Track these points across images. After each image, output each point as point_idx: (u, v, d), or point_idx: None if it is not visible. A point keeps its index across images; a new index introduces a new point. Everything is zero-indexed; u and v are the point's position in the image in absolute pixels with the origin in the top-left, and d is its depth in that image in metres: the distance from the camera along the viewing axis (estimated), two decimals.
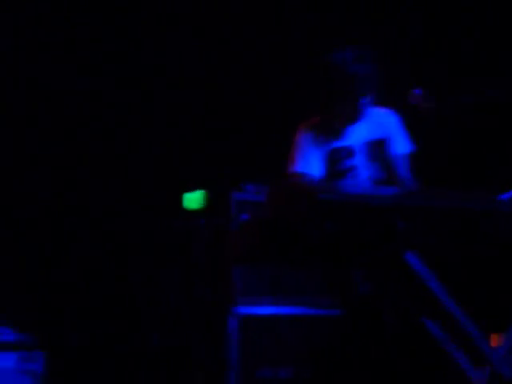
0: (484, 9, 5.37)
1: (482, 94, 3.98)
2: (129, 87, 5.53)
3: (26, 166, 5.42)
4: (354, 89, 4.20)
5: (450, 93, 4.17)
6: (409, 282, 3.61)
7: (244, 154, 5.40)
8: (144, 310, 5.40)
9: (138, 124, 5.53)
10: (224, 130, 5.48)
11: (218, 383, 4.53)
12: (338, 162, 4.32)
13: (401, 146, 4.38)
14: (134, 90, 5.54)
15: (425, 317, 3.61)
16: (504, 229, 3.53)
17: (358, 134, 4.34)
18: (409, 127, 4.41)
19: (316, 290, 4.32)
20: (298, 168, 4.27)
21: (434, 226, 3.63)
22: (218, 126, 5.49)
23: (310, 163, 4.27)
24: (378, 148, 4.36)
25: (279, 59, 5.48)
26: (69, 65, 5.42)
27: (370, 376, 3.77)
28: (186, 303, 5.15)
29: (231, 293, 4.37)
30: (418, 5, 5.44)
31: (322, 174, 4.28)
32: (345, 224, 3.67)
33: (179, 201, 5.09)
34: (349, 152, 4.32)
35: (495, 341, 3.56)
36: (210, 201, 5.04)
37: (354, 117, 4.29)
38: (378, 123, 4.37)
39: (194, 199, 5.07)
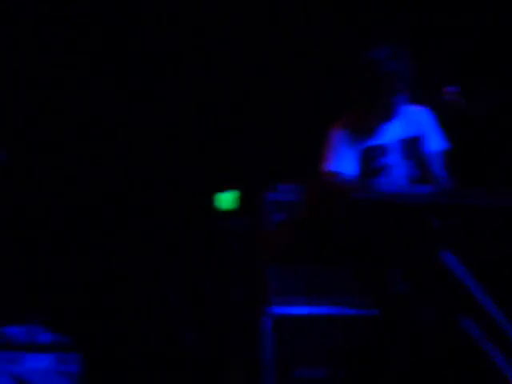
0: None
1: None
2: (161, 86, 5.54)
3: (55, 166, 5.45)
4: (388, 87, 4.19)
5: (482, 91, 4.15)
6: (445, 281, 3.59)
7: (277, 153, 5.39)
8: (179, 310, 5.41)
9: (170, 123, 5.54)
10: (257, 130, 5.48)
11: (253, 383, 4.52)
12: (371, 160, 4.30)
13: (435, 143, 4.35)
14: (167, 87, 5.55)
15: (461, 316, 3.59)
16: None
17: (391, 132, 4.32)
18: (443, 125, 4.39)
19: (350, 289, 4.30)
20: (332, 167, 4.26)
21: (469, 224, 3.61)
22: (251, 126, 5.49)
23: (344, 162, 4.26)
24: (412, 146, 4.34)
25: (312, 57, 5.47)
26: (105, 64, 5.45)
27: (406, 376, 3.75)
28: (220, 303, 5.16)
29: (265, 293, 4.37)
30: (452, 2, 5.40)
31: (356, 172, 4.27)
32: (380, 223, 3.66)
33: (212, 201, 5.10)
34: (383, 150, 4.31)
35: None
36: (243, 201, 5.04)
37: (388, 115, 4.28)
38: (411, 121, 4.35)
39: (227, 200, 5.07)
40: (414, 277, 3.69)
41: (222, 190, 5.12)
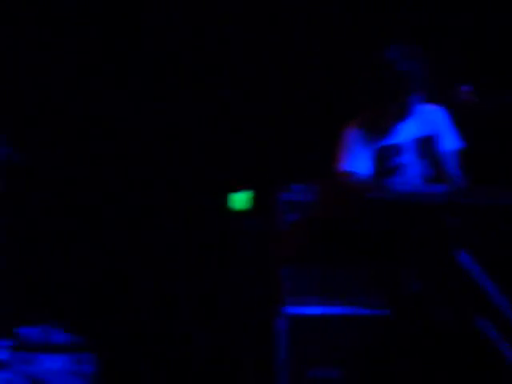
0: None
1: None
2: (175, 84, 5.54)
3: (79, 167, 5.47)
4: (403, 86, 4.18)
5: (496, 90, 4.13)
6: (459, 281, 3.57)
7: (291, 153, 5.38)
8: (193, 310, 5.41)
9: (184, 122, 5.54)
10: (272, 130, 5.47)
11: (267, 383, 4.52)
12: (386, 160, 4.29)
13: (450, 142, 4.34)
14: (181, 86, 5.55)
15: (476, 316, 3.58)
16: None
17: (406, 132, 4.31)
18: (458, 124, 4.37)
19: (365, 289, 4.29)
20: (346, 167, 4.25)
21: (484, 223, 3.60)
22: (265, 126, 5.48)
23: (358, 161, 4.25)
24: (426, 145, 4.32)
25: (326, 57, 5.46)
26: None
27: (421, 376, 3.74)
28: (233, 304, 5.15)
29: (279, 293, 4.36)
30: (467, 1, 5.39)
31: (371, 172, 4.26)
32: (394, 222, 3.65)
33: (226, 201, 5.09)
34: (397, 150, 4.29)
35: None
36: (257, 201, 5.03)
37: (403, 114, 4.27)
38: (426, 120, 4.34)
39: (240, 200, 5.07)
40: (428, 276, 3.68)
41: (236, 190, 5.11)
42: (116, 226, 5.44)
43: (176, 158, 5.51)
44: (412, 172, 4.28)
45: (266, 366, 4.53)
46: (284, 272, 4.34)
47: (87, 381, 4.64)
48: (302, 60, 5.47)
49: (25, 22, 5.43)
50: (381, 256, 3.78)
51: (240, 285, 5.07)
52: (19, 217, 5.32)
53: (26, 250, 5.35)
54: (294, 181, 4.45)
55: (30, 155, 5.19)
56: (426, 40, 4.51)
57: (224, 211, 5.12)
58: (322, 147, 4.53)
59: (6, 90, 5.36)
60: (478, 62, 5.30)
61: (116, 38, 5.50)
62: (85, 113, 5.46)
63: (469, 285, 3.53)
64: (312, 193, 4.21)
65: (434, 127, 4.33)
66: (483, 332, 3.55)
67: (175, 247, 5.46)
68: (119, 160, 5.47)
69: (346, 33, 5.40)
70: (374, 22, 5.36)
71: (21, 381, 4.59)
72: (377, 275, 4.01)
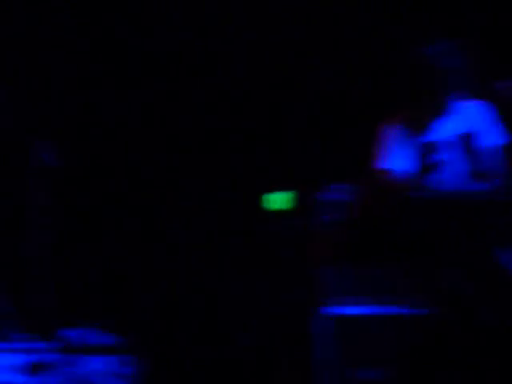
0: None
1: None
2: (214, 83, 5.55)
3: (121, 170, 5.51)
4: (444, 82, 4.13)
5: None
6: (502, 280, 3.52)
7: (329, 152, 5.35)
8: (232, 311, 5.41)
9: (223, 122, 5.54)
10: (309, 129, 5.44)
11: None
12: (426, 157, 4.23)
13: (492, 138, 4.26)
14: (221, 85, 5.56)
15: None
16: None
17: (447, 128, 4.25)
18: (502, 119, 4.29)
19: (406, 289, 4.23)
20: (386, 165, 4.20)
21: None
22: (303, 125, 5.46)
23: (398, 159, 4.20)
24: (468, 141, 4.25)
25: (364, 55, 5.42)
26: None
27: (464, 377, 3.68)
28: (272, 304, 5.14)
29: (318, 293, 4.33)
30: None
31: (411, 170, 4.20)
32: (435, 221, 3.60)
33: (265, 202, 5.08)
34: (438, 147, 4.23)
35: None
36: (296, 201, 5.01)
37: (443, 111, 4.21)
38: (468, 116, 4.27)
39: (279, 200, 5.05)
40: (470, 276, 3.62)
41: (275, 190, 5.10)
42: (155, 227, 5.47)
43: (215, 158, 5.52)
44: (453, 169, 4.22)
45: (304, 367, 4.50)
46: (324, 272, 4.31)
47: (130, 382, 4.66)
48: (339, 58, 5.44)
49: (67, 34, 5.49)
50: (421, 255, 3.74)
51: (279, 285, 5.05)
52: (63, 219, 5.37)
53: (70, 252, 5.40)
54: (332, 180, 4.41)
55: (71, 159, 5.24)
56: (467, 35, 4.44)
57: (263, 212, 5.11)
58: (360, 146, 4.49)
59: (46, 97, 5.42)
60: None
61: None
62: (119, 116, 5.50)
63: (510, 284, 3.47)
64: (351, 192, 4.18)
65: (476, 123, 4.26)
66: None
67: (214, 248, 5.47)
68: (156, 162, 5.50)
69: (386, 30, 5.35)
70: (414, 18, 5.30)
71: (66, 382, 4.63)
72: (418, 275, 3.97)
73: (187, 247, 5.47)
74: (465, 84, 4.17)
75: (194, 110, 5.52)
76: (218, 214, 5.49)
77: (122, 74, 5.54)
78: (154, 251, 5.46)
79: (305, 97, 5.43)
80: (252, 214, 5.32)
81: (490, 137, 4.26)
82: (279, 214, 5.04)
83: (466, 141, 4.25)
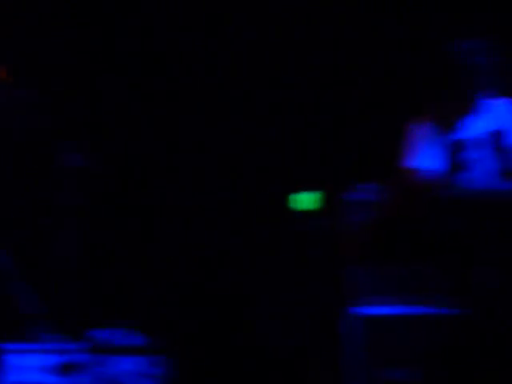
0: None
1: None
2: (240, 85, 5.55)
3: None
4: (475, 80, 4.10)
5: None
6: None
7: (356, 151, 5.33)
8: (262, 311, 5.40)
9: (251, 123, 5.54)
10: (335, 128, 5.42)
11: None
12: (456, 155, 4.20)
13: None
14: (249, 87, 5.56)
15: None
16: None
17: (476, 126, 4.22)
18: None
19: (437, 288, 4.21)
20: (414, 163, 4.18)
21: None
22: (329, 124, 5.44)
23: (427, 158, 4.17)
24: (498, 139, 4.22)
25: (391, 52, 5.39)
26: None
27: (498, 377, 3.65)
28: (302, 305, 5.13)
29: (346, 294, 4.32)
30: None
31: (439, 168, 4.17)
32: (464, 220, 3.58)
33: (290, 202, 5.07)
34: (467, 145, 4.20)
35: None
36: (322, 201, 5.00)
37: (474, 108, 4.18)
38: (498, 114, 4.24)
39: (306, 200, 5.04)
40: (500, 275, 3.59)
41: (302, 190, 5.09)
42: (182, 226, 5.47)
43: (242, 159, 5.51)
44: (483, 167, 4.18)
45: (333, 367, 4.49)
46: (353, 272, 4.29)
47: (158, 382, 4.68)
48: (367, 56, 5.41)
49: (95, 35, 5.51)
50: (453, 254, 3.71)
51: (307, 286, 5.04)
52: (91, 219, 5.39)
53: (99, 253, 5.42)
54: (359, 180, 4.40)
55: (100, 160, 5.26)
56: (497, 33, 4.40)
57: (290, 212, 5.10)
58: (388, 144, 4.47)
59: (72, 98, 5.45)
60: None
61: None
62: (144, 116, 5.51)
63: None
64: (379, 192, 4.16)
65: (506, 121, 4.23)
66: None
67: (242, 249, 5.46)
68: (183, 161, 5.51)
69: (416, 27, 5.32)
70: (445, 16, 5.27)
71: (96, 382, 4.64)
72: (449, 274, 3.94)
73: (215, 248, 5.48)
74: (495, 82, 4.14)
75: (221, 110, 5.52)
76: (245, 214, 5.49)
77: (148, 75, 5.55)
78: (181, 251, 5.47)
79: (332, 96, 5.42)
80: (279, 215, 5.32)
81: None
82: (306, 215, 5.03)
83: (496, 139, 4.22)
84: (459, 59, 4.11)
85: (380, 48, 5.40)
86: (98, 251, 5.42)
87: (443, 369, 4.05)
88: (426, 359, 4.17)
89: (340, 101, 5.42)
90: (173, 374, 4.73)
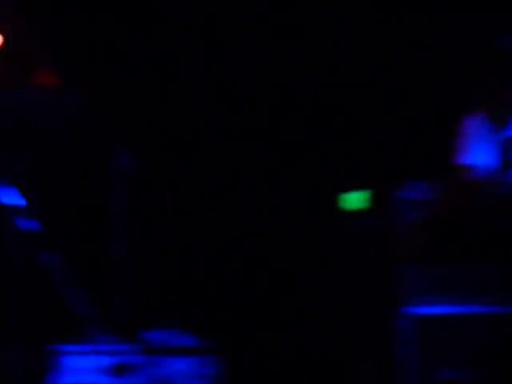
0: None
1: None
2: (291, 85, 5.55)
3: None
4: None
5: None
6: None
7: (407, 149, 5.29)
8: (312, 311, 5.39)
9: (302, 123, 5.53)
10: (384, 126, 5.39)
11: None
12: (509, 152, 4.15)
13: None
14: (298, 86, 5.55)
15: None
16: None
17: None
18: None
19: (489, 287, 4.16)
20: (467, 161, 4.14)
21: None
22: (379, 123, 5.41)
23: (480, 155, 4.13)
24: None
25: (444, 47, 5.35)
26: None
27: None
28: (354, 305, 5.10)
29: (399, 293, 4.28)
30: None
31: (493, 165, 4.13)
32: None
33: (340, 202, 5.05)
34: None
35: None
36: (372, 201, 4.97)
37: None
38: None
39: (356, 199, 5.01)
40: None
41: (352, 189, 5.06)
42: (234, 227, 5.48)
43: (292, 159, 5.51)
44: None
45: (386, 366, 4.46)
46: (405, 271, 4.26)
47: (211, 383, 4.68)
48: (422, 52, 5.37)
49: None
50: (506, 253, 3.67)
51: (359, 286, 5.01)
52: (144, 220, 5.42)
53: (150, 255, 5.45)
54: (411, 178, 4.36)
55: (147, 162, 5.29)
56: None
57: (340, 212, 5.08)
58: (440, 141, 4.43)
59: (125, 101, 5.48)
60: None
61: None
62: (195, 117, 5.53)
63: None
64: (431, 190, 4.12)
65: None
66: None
67: (293, 250, 5.45)
68: (233, 162, 5.51)
69: (467, 23, 5.27)
70: (496, 11, 5.21)
71: (150, 383, 4.67)
72: (503, 273, 3.90)
73: (267, 248, 5.47)
74: None
75: (270, 111, 5.52)
76: (295, 215, 5.47)
77: (200, 78, 5.57)
78: (233, 252, 5.48)
79: (383, 94, 5.39)
80: (330, 215, 5.29)
81: None
82: (356, 214, 5.00)
83: None
84: (510, 55, 4.07)
85: (436, 45, 5.35)
86: (151, 252, 5.45)
87: (497, 369, 4.01)
88: (479, 359, 4.12)
89: (391, 98, 5.38)
90: (225, 374, 4.74)
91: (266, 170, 5.54)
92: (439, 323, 4.25)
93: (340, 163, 5.42)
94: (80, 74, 5.49)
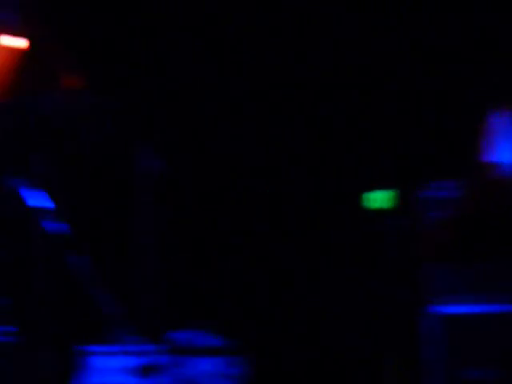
0: None
1: None
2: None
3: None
4: None
5: None
6: None
7: (433, 148, 5.26)
8: (339, 311, 5.38)
9: (326, 124, 5.52)
10: (410, 125, 5.37)
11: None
12: None
13: None
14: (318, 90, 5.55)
15: None
16: None
17: None
18: None
19: None
20: (493, 158, 4.11)
21: None
22: (403, 122, 5.39)
23: (506, 152, 4.10)
24: None
25: (469, 46, 5.31)
26: None
27: None
28: (380, 304, 5.09)
29: (425, 292, 4.26)
30: None
31: None
32: None
33: (365, 201, 5.03)
34: None
35: None
36: (396, 200, 4.94)
37: None
38: None
39: (381, 199, 4.99)
40: None
41: (378, 188, 5.04)
42: (258, 229, 5.48)
43: (319, 159, 5.49)
44: None
45: (412, 366, 4.44)
46: (431, 271, 4.23)
47: (237, 383, 4.69)
48: (446, 52, 5.34)
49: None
50: None
51: (385, 285, 4.99)
52: (170, 223, 5.44)
53: (176, 257, 5.46)
54: (437, 177, 4.34)
55: (172, 163, 5.30)
56: None
57: (365, 211, 5.06)
58: (465, 139, 4.41)
59: (149, 106, 5.51)
60: None
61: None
62: (221, 122, 5.54)
63: None
64: (457, 188, 4.10)
65: None
66: None
67: (319, 250, 5.44)
68: (262, 166, 5.51)
69: (491, 22, 5.24)
70: None
71: (175, 383, 4.68)
72: None
73: (291, 249, 5.46)
74: None
75: (297, 110, 5.51)
76: (320, 214, 5.46)
77: (227, 82, 5.58)
78: (261, 254, 5.48)
79: (408, 93, 5.37)
80: (355, 214, 5.28)
81: None
82: (381, 213, 4.98)
83: None
84: None
85: (461, 45, 5.32)
86: (177, 253, 5.46)
87: None
88: (506, 358, 4.09)
89: (418, 98, 5.36)
90: (250, 374, 4.74)
91: (292, 172, 5.54)
92: (466, 322, 4.22)
93: (365, 162, 5.40)
94: (105, 77, 5.51)
